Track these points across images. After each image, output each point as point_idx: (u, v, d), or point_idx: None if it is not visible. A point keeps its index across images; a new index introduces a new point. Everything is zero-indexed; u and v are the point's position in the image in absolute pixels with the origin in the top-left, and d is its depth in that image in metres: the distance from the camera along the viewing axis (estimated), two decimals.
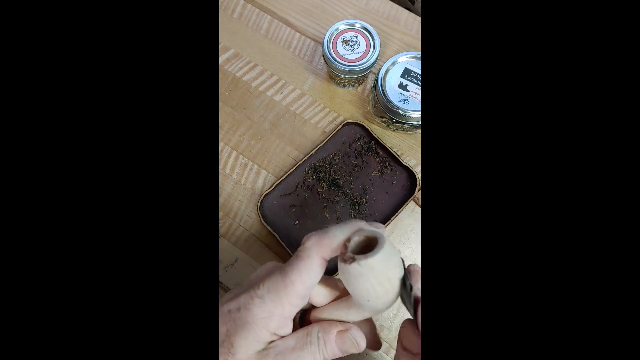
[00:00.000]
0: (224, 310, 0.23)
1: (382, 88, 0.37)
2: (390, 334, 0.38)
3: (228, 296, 0.24)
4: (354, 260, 0.20)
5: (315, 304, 0.25)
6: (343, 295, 0.25)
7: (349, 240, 0.22)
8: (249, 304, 0.22)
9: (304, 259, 0.22)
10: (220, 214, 0.41)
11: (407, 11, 0.46)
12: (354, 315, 0.23)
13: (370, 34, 0.38)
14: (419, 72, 0.37)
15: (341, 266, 0.21)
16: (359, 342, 0.23)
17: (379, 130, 0.43)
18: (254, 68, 0.45)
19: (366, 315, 0.23)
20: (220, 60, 0.46)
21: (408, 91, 0.37)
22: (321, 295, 0.24)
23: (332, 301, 0.25)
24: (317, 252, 0.22)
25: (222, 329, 0.22)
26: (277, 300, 0.22)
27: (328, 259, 0.23)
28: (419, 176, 0.41)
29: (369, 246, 0.22)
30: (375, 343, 0.25)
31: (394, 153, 0.41)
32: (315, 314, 0.25)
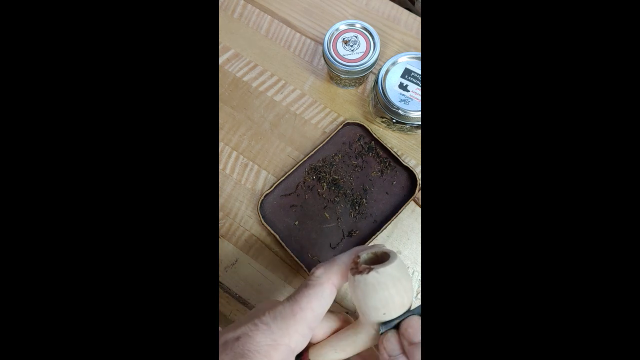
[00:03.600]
0: (219, 342, 0.21)
1: (382, 88, 0.37)
2: None
3: (226, 329, 0.22)
4: (371, 269, 0.20)
5: (313, 339, 0.24)
6: (343, 327, 0.24)
7: (357, 257, 0.22)
8: (251, 331, 0.21)
9: (314, 286, 0.22)
10: (220, 214, 0.41)
11: (407, 11, 0.46)
12: (361, 341, 0.22)
13: (370, 34, 0.38)
14: (419, 72, 0.37)
15: (356, 279, 0.20)
16: None
17: (379, 130, 0.43)
18: (254, 68, 0.45)
19: (374, 341, 0.22)
20: (220, 60, 0.46)
21: (408, 91, 0.37)
22: (321, 328, 0.23)
23: (332, 334, 0.24)
24: (327, 278, 0.22)
25: None
26: (284, 328, 0.21)
27: (338, 286, 0.22)
28: (419, 176, 0.41)
29: (377, 262, 0.22)
30: None
31: (394, 153, 0.41)
32: (314, 351, 0.23)
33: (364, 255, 0.22)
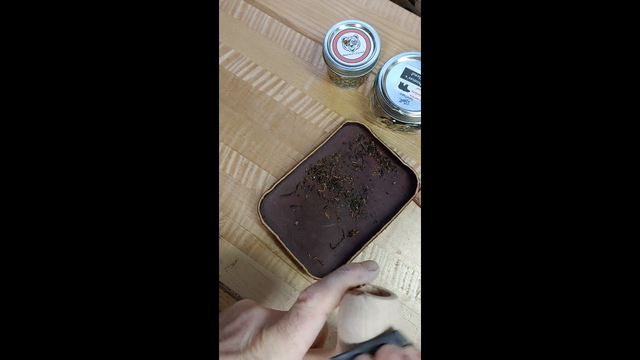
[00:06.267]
0: (229, 308, 0.23)
1: (382, 88, 0.37)
2: None
3: (246, 304, 0.24)
4: (362, 293, 0.21)
5: None
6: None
7: (362, 285, 0.23)
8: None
9: (308, 319, 0.21)
10: (220, 214, 0.41)
11: (407, 11, 0.46)
12: None
13: (370, 34, 0.38)
14: (419, 72, 0.37)
15: (347, 296, 0.21)
16: None
17: (379, 130, 0.43)
18: (254, 68, 0.45)
19: None
20: (220, 60, 0.46)
21: (408, 91, 0.37)
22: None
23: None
24: (322, 310, 0.22)
25: None
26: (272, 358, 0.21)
27: (330, 312, 0.22)
28: (419, 176, 0.41)
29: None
30: None
31: (394, 153, 0.41)
32: None
33: (369, 287, 0.23)
